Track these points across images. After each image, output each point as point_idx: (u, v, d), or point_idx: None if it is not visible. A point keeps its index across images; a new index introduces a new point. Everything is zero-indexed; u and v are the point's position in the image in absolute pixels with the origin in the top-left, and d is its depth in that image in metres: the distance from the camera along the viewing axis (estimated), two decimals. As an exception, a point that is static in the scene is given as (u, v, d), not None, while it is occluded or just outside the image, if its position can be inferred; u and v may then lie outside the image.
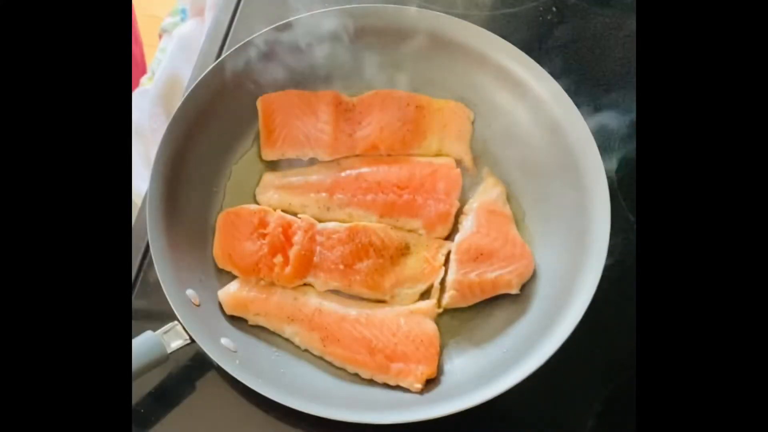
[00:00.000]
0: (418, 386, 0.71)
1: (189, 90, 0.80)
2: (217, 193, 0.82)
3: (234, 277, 0.77)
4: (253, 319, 0.75)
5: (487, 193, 0.81)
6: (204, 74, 0.80)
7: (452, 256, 0.77)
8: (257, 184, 0.83)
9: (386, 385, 0.72)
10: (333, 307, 0.75)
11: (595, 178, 0.76)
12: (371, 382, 0.73)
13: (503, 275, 0.75)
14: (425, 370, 0.72)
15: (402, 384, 0.72)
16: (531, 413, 0.74)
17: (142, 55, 1.40)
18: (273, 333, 0.75)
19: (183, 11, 1.12)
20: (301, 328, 0.74)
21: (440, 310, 0.76)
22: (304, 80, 0.86)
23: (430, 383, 0.73)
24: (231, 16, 0.95)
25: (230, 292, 0.75)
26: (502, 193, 0.81)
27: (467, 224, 0.79)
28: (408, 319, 0.74)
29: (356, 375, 0.73)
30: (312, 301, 0.76)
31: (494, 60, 0.83)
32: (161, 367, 0.69)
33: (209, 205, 0.81)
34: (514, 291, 0.75)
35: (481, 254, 0.76)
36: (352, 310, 0.75)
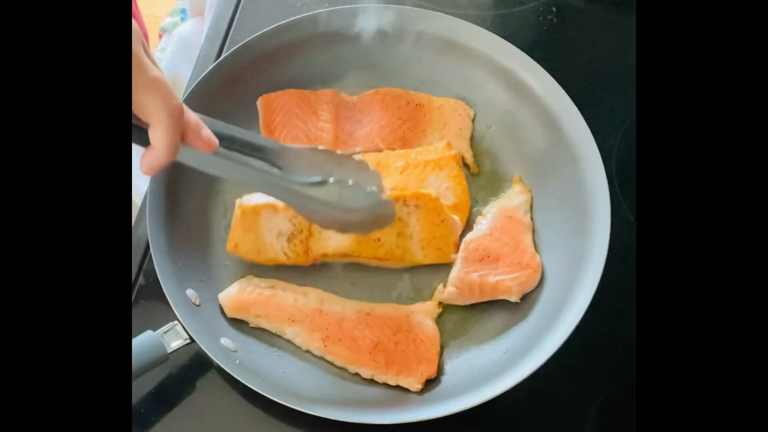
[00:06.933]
0: (418, 386, 0.71)
1: (189, 90, 0.80)
2: (219, 192, 0.82)
3: (234, 278, 0.77)
4: (254, 321, 0.75)
5: (511, 199, 0.80)
6: (204, 74, 0.80)
7: (459, 254, 0.77)
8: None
9: (386, 385, 0.72)
10: (334, 307, 0.75)
11: (595, 177, 0.76)
12: (371, 382, 0.73)
13: (505, 281, 0.75)
14: (425, 370, 0.72)
15: (402, 384, 0.72)
16: (531, 413, 0.74)
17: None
18: (273, 333, 0.75)
19: (183, 11, 1.12)
20: (303, 329, 0.74)
21: (440, 310, 0.76)
22: (304, 80, 0.86)
23: (430, 383, 0.73)
24: (231, 16, 0.94)
25: (231, 294, 0.75)
26: (525, 202, 0.80)
27: (482, 225, 0.78)
28: (408, 319, 0.74)
29: (356, 375, 0.73)
30: (313, 301, 0.76)
31: (494, 60, 0.83)
32: (161, 367, 0.69)
33: (210, 204, 0.81)
34: (514, 299, 0.75)
35: (488, 256, 0.76)
36: (353, 311, 0.75)
